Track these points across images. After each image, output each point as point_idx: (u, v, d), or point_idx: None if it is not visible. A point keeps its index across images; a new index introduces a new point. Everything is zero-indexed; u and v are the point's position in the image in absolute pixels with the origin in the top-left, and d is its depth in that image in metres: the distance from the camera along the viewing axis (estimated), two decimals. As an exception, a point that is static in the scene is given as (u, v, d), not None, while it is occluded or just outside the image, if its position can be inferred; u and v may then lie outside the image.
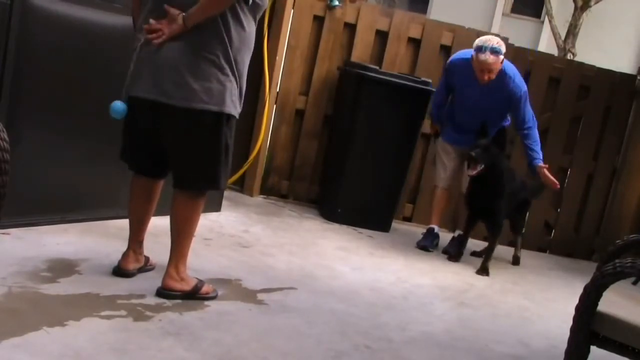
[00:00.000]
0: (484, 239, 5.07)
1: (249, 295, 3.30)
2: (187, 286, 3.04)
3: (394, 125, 5.12)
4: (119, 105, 2.89)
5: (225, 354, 2.62)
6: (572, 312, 2.61)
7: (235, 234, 4.28)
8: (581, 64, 5.96)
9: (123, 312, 2.79)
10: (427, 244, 4.97)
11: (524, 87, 4.75)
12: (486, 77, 4.64)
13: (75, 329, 2.56)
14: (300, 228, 4.83)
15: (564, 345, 2.64)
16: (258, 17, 3.00)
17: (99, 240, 3.56)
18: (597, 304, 2.55)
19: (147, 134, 2.98)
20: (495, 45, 4.56)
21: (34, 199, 3.47)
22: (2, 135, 2.29)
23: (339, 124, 5.37)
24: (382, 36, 5.52)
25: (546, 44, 17.57)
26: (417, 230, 5.42)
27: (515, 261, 5.13)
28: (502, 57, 4.61)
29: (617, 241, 3.19)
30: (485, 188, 4.67)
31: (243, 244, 4.13)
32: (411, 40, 5.56)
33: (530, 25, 18.96)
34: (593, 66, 5.84)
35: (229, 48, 2.85)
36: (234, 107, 2.95)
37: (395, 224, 5.40)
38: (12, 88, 3.23)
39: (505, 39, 5.25)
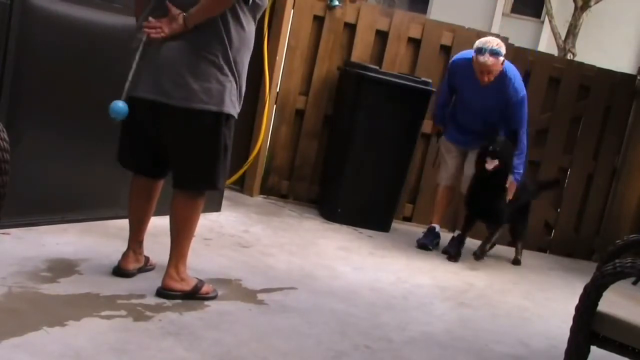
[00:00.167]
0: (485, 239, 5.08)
1: (249, 295, 3.30)
2: (187, 286, 3.04)
3: (394, 125, 5.12)
4: (120, 105, 2.82)
5: (225, 354, 2.62)
6: (572, 312, 2.61)
7: (235, 234, 4.28)
8: (581, 64, 5.96)
9: (123, 312, 2.79)
10: (427, 242, 4.97)
11: (522, 91, 4.74)
12: (486, 79, 4.64)
13: (75, 329, 2.56)
14: (300, 228, 4.83)
15: (564, 345, 2.64)
16: (258, 17, 3.00)
17: (99, 240, 3.56)
18: (597, 304, 2.55)
19: (147, 134, 2.98)
20: (495, 47, 4.56)
21: (34, 199, 3.47)
22: (2, 135, 2.29)
23: (339, 124, 5.37)
24: (382, 36, 5.52)
25: (546, 44, 17.56)
26: (417, 230, 5.42)
27: (516, 262, 5.14)
28: (502, 58, 4.60)
29: (617, 241, 3.19)
30: (489, 188, 4.67)
31: (243, 244, 4.13)
32: (411, 40, 5.55)
33: (530, 25, 18.95)
34: (593, 66, 5.84)
35: (229, 48, 2.86)
36: (233, 107, 2.95)
37: (395, 224, 5.40)
38: (12, 88, 3.23)
39: (505, 39, 5.26)
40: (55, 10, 3.36)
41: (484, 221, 4.98)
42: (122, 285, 3.05)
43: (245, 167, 5.33)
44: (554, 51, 13.72)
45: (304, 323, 3.09)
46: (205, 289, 3.10)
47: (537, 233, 5.79)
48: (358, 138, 5.10)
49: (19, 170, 2.86)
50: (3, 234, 3.30)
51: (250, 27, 2.95)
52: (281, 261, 3.94)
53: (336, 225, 5.09)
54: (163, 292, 3.01)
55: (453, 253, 4.84)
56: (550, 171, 5.75)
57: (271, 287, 3.47)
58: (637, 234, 3.37)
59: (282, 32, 5.27)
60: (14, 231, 3.35)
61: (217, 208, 4.63)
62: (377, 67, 5.17)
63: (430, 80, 5.17)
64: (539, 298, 4.39)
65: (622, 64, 12.53)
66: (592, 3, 14.72)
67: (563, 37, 14.96)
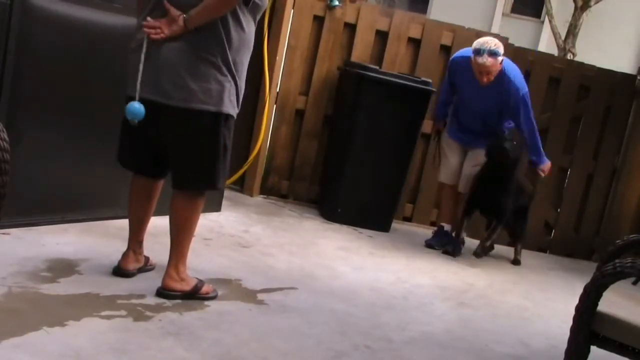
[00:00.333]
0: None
1: (249, 295, 3.30)
2: (187, 286, 3.04)
3: (394, 125, 5.12)
4: (136, 106, 2.80)
5: (225, 354, 2.62)
6: (572, 312, 2.61)
7: (235, 234, 4.28)
8: (581, 64, 5.95)
9: (123, 312, 2.79)
10: (434, 242, 5.01)
11: (524, 88, 4.74)
12: (485, 79, 4.64)
13: (75, 329, 2.56)
14: (300, 228, 4.83)
15: (564, 345, 2.64)
16: (258, 18, 3.00)
17: (99, 240, 3.56)
18: (597, 304, 2.55)
19: (147, 134, 2.98)
20: (493, 48, 4.56)
21: (34, 199, 3.47)
22: (2, 135, 2.29)
23: (339, 124, 5.37)
24: (382, 36, 5.52)
25: (546, 44, 17.57)
26: (417, 230, 5.43)
27: (516, 262, 5.14)
28: (500, 58, 4.60)
29: (617, 241, 3.19)
30: (495, 182, 4.70)
31: (243, 244, 4.13)
32: (411, 40, 5.55)
33: (530, 25, 18.96)
34: (593, 66, 5.83)
35: (228, 49, 2.85)
36: (232, 107, 2.95)
37: (395, 224, 5.40)
38: (12, 88, 3.23)
39: (505, 39, 5.26)
40: (55, 10, 3.36)
41: (488, 216, 4.99)
42: (122, 285, 3.05)
43: (245, 167, 5.33)
44: (554, 51, 13.72)
45: (304, 323, 3.09)
46: (205, 289, 3.10)
47: (537, 233, 5.79)
48: (358, 138, 5.10)
49: (19, 170, 2.86)
50: (3, 234, 3.30)
51: (250, 28, 2.95)
52: (281, 261, 3.95)
53: (336, 225, 5.09)
54: (163, 292, 3.01)
55: (451, 249, 4.87)
56: (551, 171, 5.74)
57: (271, 287, 3.47)
58: (637, 234, 3.37)
59: (282, 32, 5.27)
60: (14, 231, 3.35)
61: (217, 208, 4.63)
62: (377, 67, 5.17)
63: (430, 80, 5.17)
64: (539, 298, 4.39)
65: (622, 64, 12.53)
66: (592, 3, 14.73)
67: (563, 37, 14.97)
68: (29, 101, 3.36)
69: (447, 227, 5.07)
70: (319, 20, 5.43)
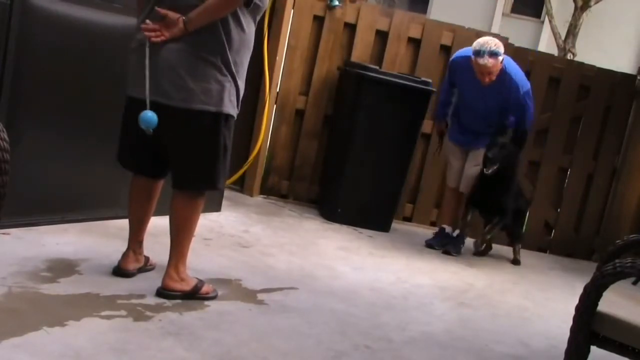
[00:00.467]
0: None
1: (249, 295, 3.30)
2: (187, 286, 3.04)
3: (394, 125, 5.12)
4: (149, 115, 2.79)
5: (225, 354, 2.62)
6: (572, 312, 2.61)
7: (235, 234, 4.28)
8: (581, 64, 5.96)
9: (123, 312, 2.79)
10: (434, 243, 5.02)
11: (526, 85, 4.74)
12: (487, 79, 4.64)
13: (75, 329, 2.56)
14: (300, 228, 4.83)
15: (564, 345, 2.64)
16: (258, 18, 3.00)
17: (99, 240, 3.56)
18: (597, 304, 2.55)
19: (147, 134, 2.98)
20: (493, 48, 4.55)
21: (34, 199, 3.48)
22: (2, 135, 2.29)
23: (339, 124, 5.37)
24: (382, 36, 5.52)
25: (546, 44, 17.57)
26: (417, 230, 5.43)
27: (515, 262, 5.14)
28: (501, 57, 4.60)
29: (617, 241, 3.19)
30: (495, 182, 4.71)
31: (243, 244, 4.13)
32: (411, 40, 5.55)
33: (530, 25, 18.95)
34: (593, 66, 5.84)
35: (229, 49, 2.86)
36: (232, 107, 2.95)
37: (395, 224, 5.40)
38: (12, 88, 3.23)
39: (505, 39, 5.26)
40: (55, 10, 3.36)
41: (488, 215, 5.00)
42: (122, 285, 3.05)
43: (245, 167, 5.33)
44: (554, 51, 13.72)
45: (304, 323, 3.09)
46: (205, 289, 3.10)
47: (537, 233, 5.79)
48: (358, 138, 5.10)
49: (19, 170, 2.86)
50: (3, 234, 3.30)
51: (251, 29, 2.95)
52: (281, 261, 3.95)
53: (336, 225, 5.09)
54: (163, 292, 3.01)
55: (451, 249, 4.88)
56: (550, 171, 5.75)
57: (271, 287, 3.47)
58: (637, 234, 3.37)
59: (282, 32, 5.27)
60: (14, 231, 3.35)
61: (217, 208, 4.63)
62: (377, 67, 5.17)
63: (430, 80, 5.17)
64: (538, 298, 4.39)
65: (622, 64, 12.53)
66: (592, 3, 14.73)
67: (563, 37, 14.97)
68: (29, 101, 3.36)
69: (448, 228, 5.07)
70: (319, 20, 5.44)
